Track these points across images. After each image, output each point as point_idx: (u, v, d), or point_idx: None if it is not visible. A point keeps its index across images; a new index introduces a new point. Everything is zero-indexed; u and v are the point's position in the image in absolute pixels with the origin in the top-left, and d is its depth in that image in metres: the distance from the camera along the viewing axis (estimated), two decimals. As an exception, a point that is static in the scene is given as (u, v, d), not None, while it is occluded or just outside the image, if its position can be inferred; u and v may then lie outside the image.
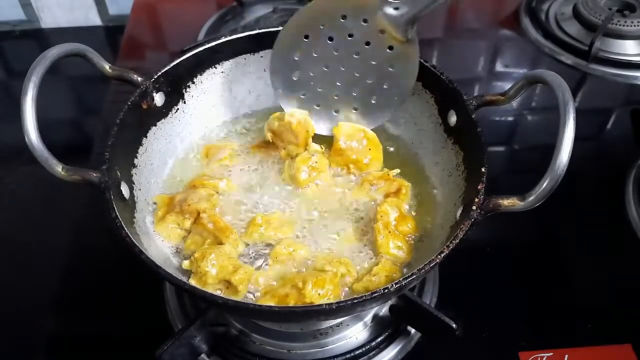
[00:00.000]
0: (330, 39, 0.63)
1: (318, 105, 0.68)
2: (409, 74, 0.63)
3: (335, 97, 0.67)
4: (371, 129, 0.68)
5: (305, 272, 0.57)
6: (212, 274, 0.55)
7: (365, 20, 0.61)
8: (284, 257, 0.58)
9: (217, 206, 0.63)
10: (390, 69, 0.63)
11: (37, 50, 0.53)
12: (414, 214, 0.63)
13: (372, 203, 0.64)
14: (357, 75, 0.65)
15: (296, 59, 0.65)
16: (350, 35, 0.62)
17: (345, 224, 0.62)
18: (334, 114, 0.68)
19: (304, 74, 0.66)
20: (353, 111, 0.67)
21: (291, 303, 0.52)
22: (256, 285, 0.56)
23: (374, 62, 0.63)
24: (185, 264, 0.57)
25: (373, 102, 0.66)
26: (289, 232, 0.61)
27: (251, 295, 0.56)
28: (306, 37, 0.64)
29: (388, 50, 0.62)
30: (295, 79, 0.67)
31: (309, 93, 0.67)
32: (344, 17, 0.61)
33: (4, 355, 0.68)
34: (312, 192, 0.65)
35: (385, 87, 0.64)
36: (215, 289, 0.55)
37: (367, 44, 0.62)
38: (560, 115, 0.47)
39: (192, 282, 0.55)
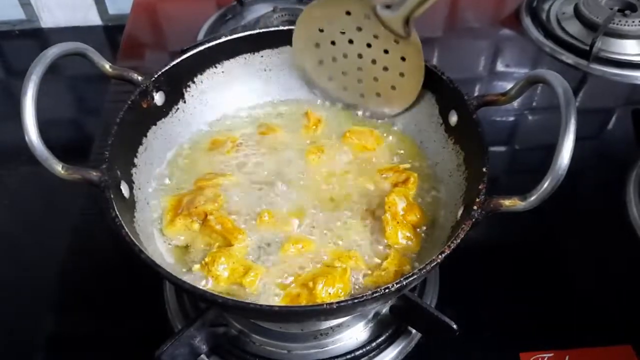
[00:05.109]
0: (343, 32, 0.67)
1: (345, 89, 0.72)
2: (413, 72, 0.65)
3: (359, 82, 0.70)
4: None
5: (315, 270, 0.56)
6: (223, 278, 0.55)
7: (367, 17, 0.64)
8: (293, 253, 0.58)
9: (224, 205, 0.62)
10: (395, 64, 0.66)
11: (37, 50, 0.53)
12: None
13: (381, 193, 0.63)
14: (373, 62, 0.68)
15: (317, 47, 0.70)
16: (359, 29, 0.66)
17: (354, 215, 0.62)
18: (360, 97, 0.72)
19: (327, 58, 0.70)
20: (376, 96, 0.70)
21: (303, 303, 0.53)
22: (269, 285, 0.56)
23: (384, 52, 0.66)
24: (196, 267, 0.57)
25: (393, 89, 0.68)
26: (297, 225, 0.60)
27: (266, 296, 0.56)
28: (321, 30, 0.68)
29: (384, 50, 0.66)
30: (319, 61, 0.71)
31: (335, 75, 0.72)
32: (348, 13, 0.65)
33: (4, 355, 0.68)
34: (320, 183, 0.65)
35: (398, 76, 0.67)
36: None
37: (375, 37, 0.65)
38: (562, 115, 0.47)
39: (203, 285, 0.55)
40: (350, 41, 0.67)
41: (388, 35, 0.63)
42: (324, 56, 0.70)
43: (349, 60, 0.69)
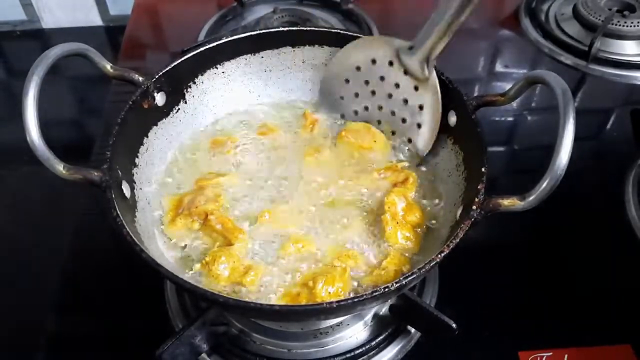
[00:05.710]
0: (367, 82, 0.69)
1: None
2: (432, 112, 0.64)
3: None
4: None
5: (315, 270, 0.57)
6: (224, 277, 0.55)
7: (390, 63, 0.65)
8: (293, 253, 0.58)
9: (225, 205, 0.62)
10: (413, 114, 0.67)
11: (38, 51, 0.53)
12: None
13: (380, 193, 0.64)
14: (392, 114, 0.68)
15: (341, 99, 0.72)
16: (382, 79, 0.67)
17: (354, 215, 0.62)
18: None
19: (349, 111, 0.72)
20: (392, 149, 0.70)
21: (303, 302, 0.53)
22: (269, 284, 0.56)
23: (403, 102, 0.67)
24: (197, 267, 0.57)
25: (409, 142, 0.68)
26: (297, 224, 0.61)
27: (266, 295, 0.56)
28: (347, 81, 0.70)
29: (404, 99, 0.66)
30: (341, 115, 0.73)
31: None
32: (373, 61, 0.67)
33: (4, 355, 0.69)
34: (319, 183, 0.65)
35: (416, 128, 0.67)
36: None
37: (397, 85, 0.66)
38: (560, 115, 0.47)
39: (204, 284, 0.55)
40: (373, 92, 0.68)
41: (409, 82, 0.64)
42: (347, 109, 0.72)
43: (370, 112, 0.70)
